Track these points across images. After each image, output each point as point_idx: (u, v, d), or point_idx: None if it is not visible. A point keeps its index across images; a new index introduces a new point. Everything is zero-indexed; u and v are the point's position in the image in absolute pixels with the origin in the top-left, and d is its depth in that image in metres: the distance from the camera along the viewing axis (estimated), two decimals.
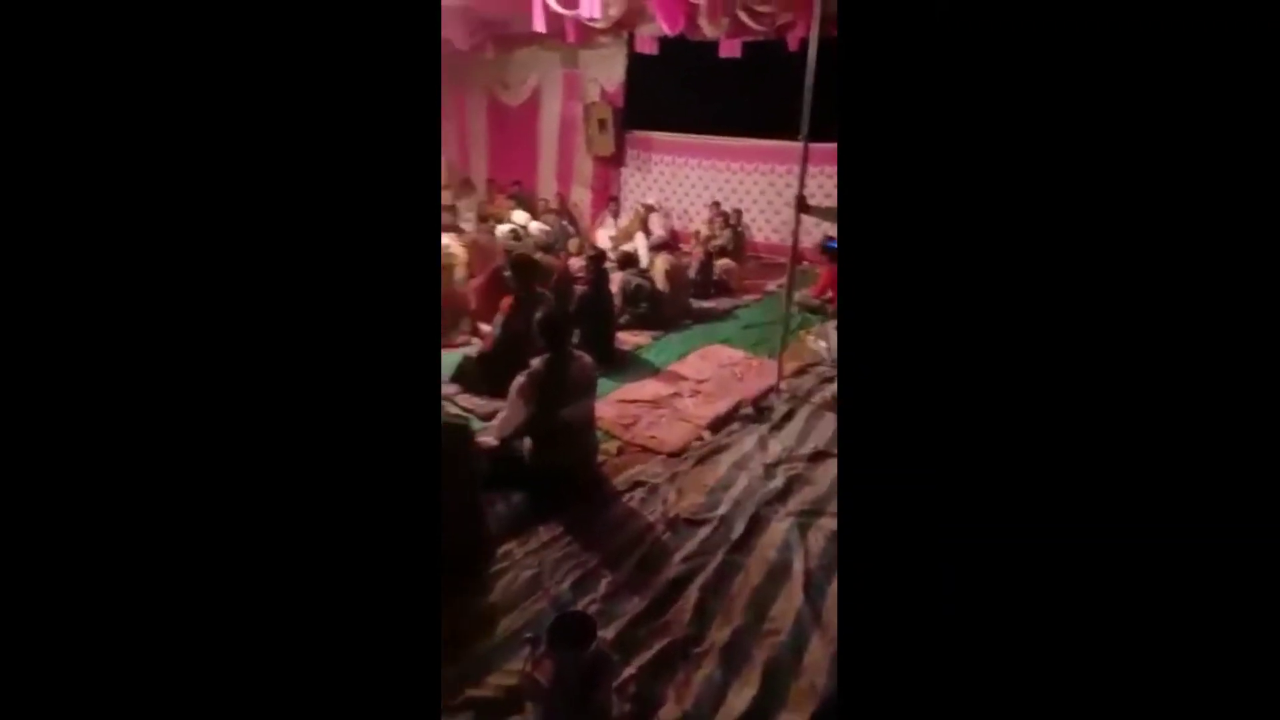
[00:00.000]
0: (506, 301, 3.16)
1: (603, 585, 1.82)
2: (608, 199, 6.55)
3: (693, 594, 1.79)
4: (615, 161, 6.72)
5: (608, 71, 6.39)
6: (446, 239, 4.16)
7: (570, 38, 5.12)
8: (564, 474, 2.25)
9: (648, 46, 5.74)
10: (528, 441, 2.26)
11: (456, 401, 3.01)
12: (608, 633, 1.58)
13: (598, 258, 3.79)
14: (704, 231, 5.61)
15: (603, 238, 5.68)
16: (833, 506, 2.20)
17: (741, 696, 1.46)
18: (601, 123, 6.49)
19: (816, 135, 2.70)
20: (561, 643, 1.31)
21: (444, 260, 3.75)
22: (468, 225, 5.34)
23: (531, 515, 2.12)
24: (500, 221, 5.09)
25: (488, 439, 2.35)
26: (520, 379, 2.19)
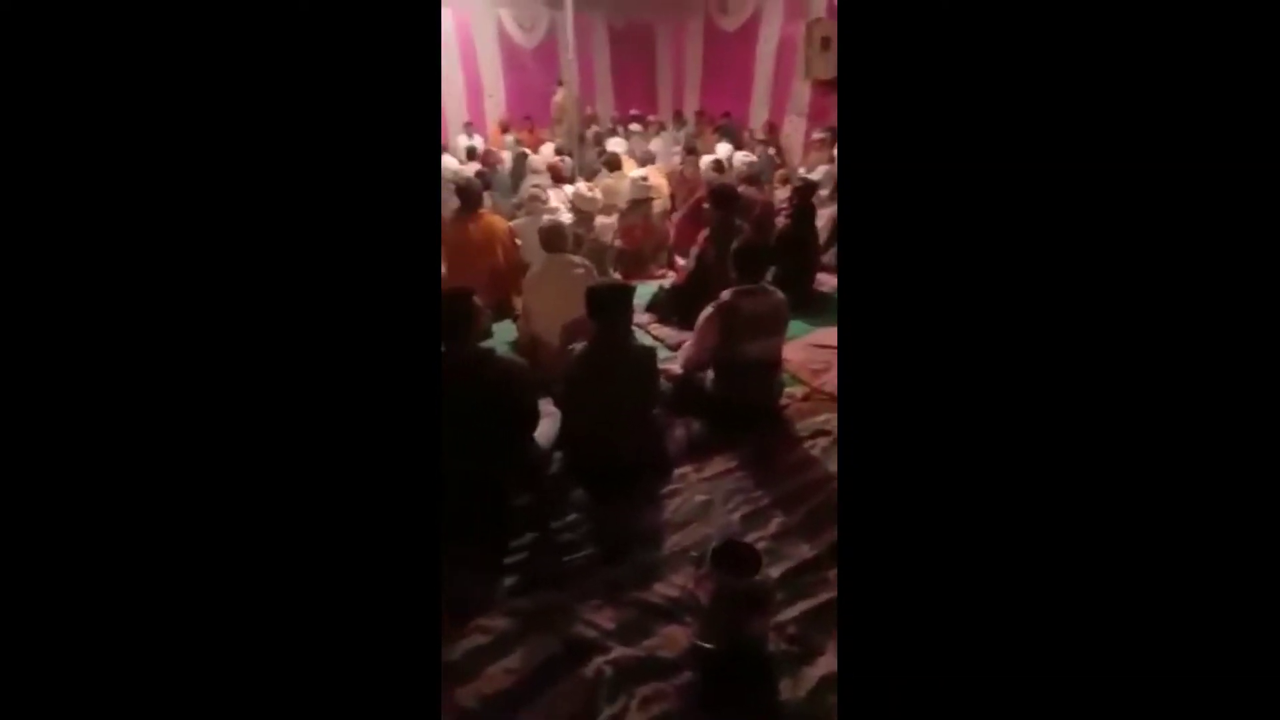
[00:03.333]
0: (704, 234, 3.13)
1: (773, 525, 1.79)
2: (825, 127, 6.01)
3: None
4: (836, 85, 6.09)
5: None
6: (644, 171, 4.23)
7: None
8: (744, 409, 2.22)
9: None
10: (710, 373, 2.26)
11: (649, 330, 3.13)
12: (774, 571, 1.56)
13: (804, 190, 3.53)
14: None
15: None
16: None
17: None
18: (825, 41, 5.88)
19: None
20: (724, 567, 1.32)
21: (644, 194, 3.82)
22: (675, 158, 5.36)
23: (709, 444, 2.15)
24: (706, 154, 5.00)
25: (673, 367, 2.40)
26: (708, 310, 2.18)
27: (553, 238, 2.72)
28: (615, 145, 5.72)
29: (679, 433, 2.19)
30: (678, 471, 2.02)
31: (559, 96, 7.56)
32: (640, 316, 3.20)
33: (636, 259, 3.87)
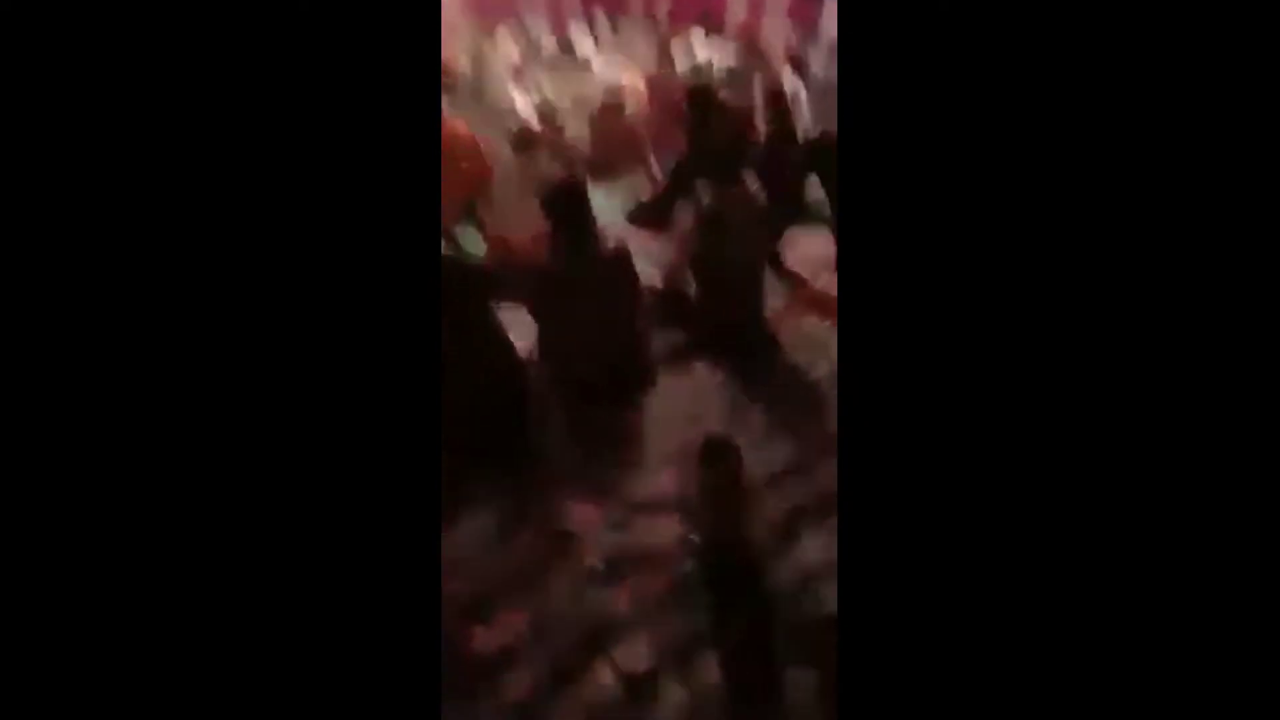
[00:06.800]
0: (682, 139, 2.96)
1: (756, 426, 1.81)
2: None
3: None
4: None
5: None
6: (617, 74, 3.94)
7: None
8: (728, 319, 2.18)
9: None
10: (692, 282, 2.20)
11: (626, 238, 3.02)
12: (758, 471, 1.58)
13: (778, 95, 3.33)
14: None
15: None
16: None
17: None
18: None
19: None
20: (710, 464, 1.33)
21: (615, 99, 3.57)
22: (651, 62, 5.00)
23: (692, 354, 2.12)
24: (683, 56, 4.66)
25: (654, 277, 2.33)
26: (685, 216, 2.09)
27: (521, 142, 2.56)
28: (584, 46, 5.31)
29: (659, 342, 2.16)
30: (660, 379, 2.01)
31: None
32: (618, 223, 3.07)
33: (608, 165, 3.68)
